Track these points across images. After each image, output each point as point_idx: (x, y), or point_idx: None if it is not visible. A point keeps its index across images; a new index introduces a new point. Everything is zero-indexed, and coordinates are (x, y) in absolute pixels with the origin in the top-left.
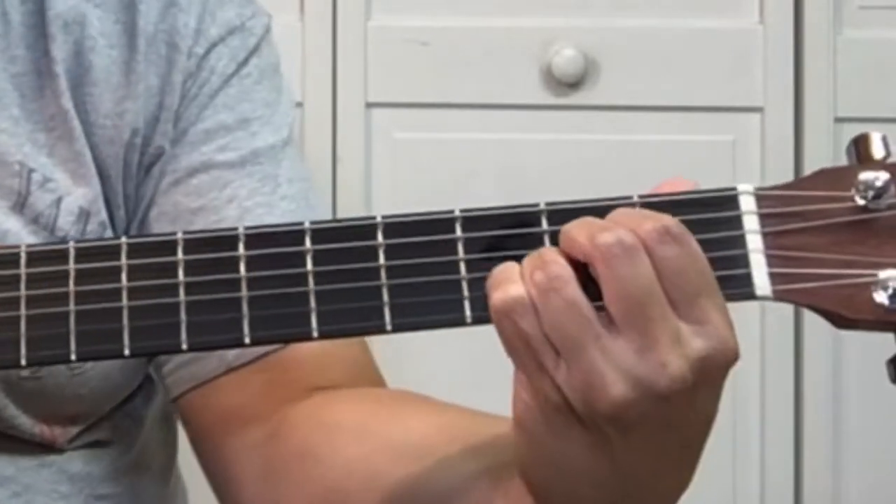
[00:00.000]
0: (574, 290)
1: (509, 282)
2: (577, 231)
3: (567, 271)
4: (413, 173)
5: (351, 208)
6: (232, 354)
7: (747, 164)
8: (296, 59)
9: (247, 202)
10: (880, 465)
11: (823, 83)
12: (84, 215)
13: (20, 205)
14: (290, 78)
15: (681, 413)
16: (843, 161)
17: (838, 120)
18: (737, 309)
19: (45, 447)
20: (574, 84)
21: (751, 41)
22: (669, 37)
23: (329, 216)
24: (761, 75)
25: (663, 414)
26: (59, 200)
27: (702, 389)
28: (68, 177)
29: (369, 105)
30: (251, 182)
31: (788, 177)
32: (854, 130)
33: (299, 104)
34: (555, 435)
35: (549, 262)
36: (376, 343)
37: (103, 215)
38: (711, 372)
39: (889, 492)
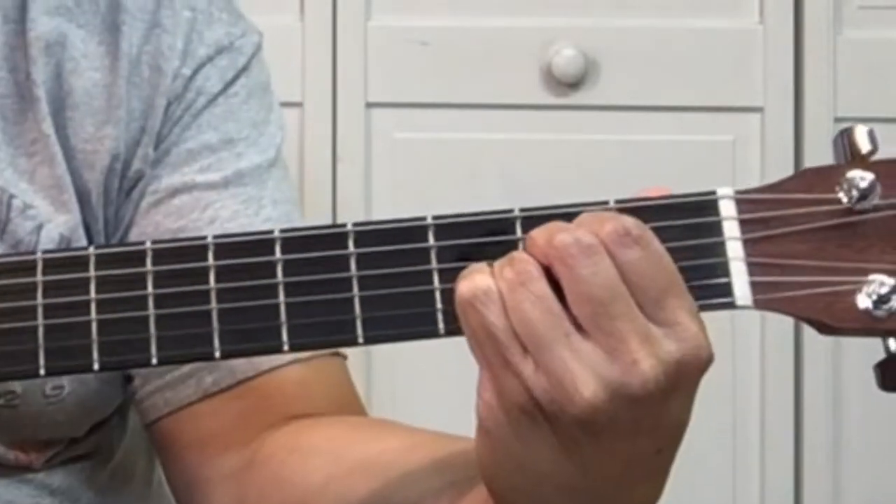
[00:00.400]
0: (543, 285)
1: (477, 273)
2: (538, 233)
3: (536, 269)
4: (413, 173)
5: (351, 208)
6: (209, 380)
7: (747, 164)
8: (296, 59)
9: (229, 224)
10: (880, 465)
11: (823, 83)
12: (65, 242)
13: (0, 231)
14: (290, 78)
15: (653, 417)
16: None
17: (838, 120)
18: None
19: (20, 468)
20: (574, 84)
21: (751, 41)
22: (669, 37)
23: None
24: (761, 75)
25: (635, 418)
26: (39, 228)
27: (674, 394)
28: (49, 203)
29: (369, 105)
30: (234, 203)
31: None
32: None
33: (299, 104)
34: (520, 438)
35: (518, 259)
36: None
37: (83, 243)
38: (684, 375)
39: (889, 492)
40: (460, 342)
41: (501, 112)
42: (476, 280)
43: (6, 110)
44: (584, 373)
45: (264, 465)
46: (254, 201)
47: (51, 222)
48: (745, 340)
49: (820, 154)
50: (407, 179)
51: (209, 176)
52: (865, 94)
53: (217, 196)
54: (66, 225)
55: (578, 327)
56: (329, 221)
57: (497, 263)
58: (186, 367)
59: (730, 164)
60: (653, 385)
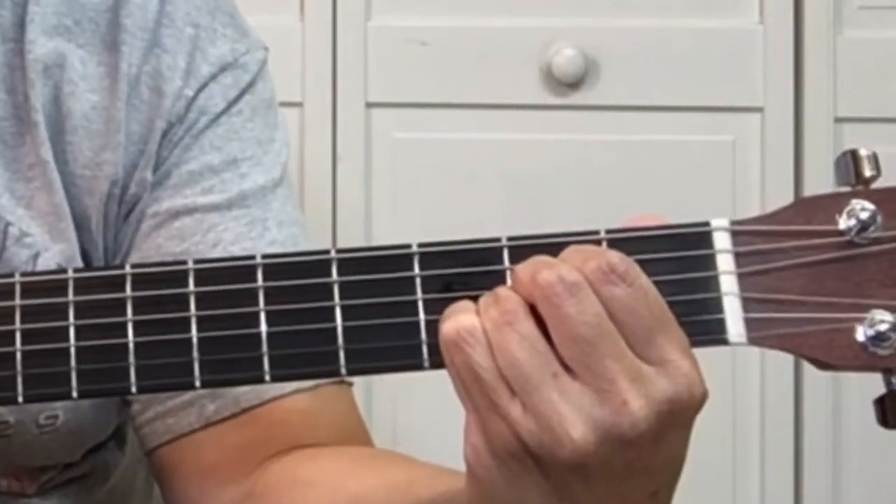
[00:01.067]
0: (529, 325)
1: (461, 312)
2: (522, 270)
3: (522, 308)
4: (413, 173)
5: (351, 208)
6: (211, 408)
7: (747, 164)
8: (296, 59)
9: (232, 247)
10: (880, 465)
11: (823, 83)
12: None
13: None
14: (290, 78)
15: (645, 459)
16: None
17: (838, 120)
18: None
19: (13, 494)
20: (574, 84)
21: (751, 41)
22: (669, 37)
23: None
24: (761, 75)
25: (627, 460)
26: (35, 256)
27: (667, 434)
28: (46, 231)
29: (369, 105)
30: (237, 226)
31: (788, 177)
32: (854, 130)
33: (299, 104)
34: (510, 482)
35: (503, 298)
36: None
37: None
38: (677, 414)
39: (889, 492)
40: None
41: (501, 112)
42: (461, 319)
43: (4, 134)
44: (573, 415)
45: (263, 498)
46: (258, 223)
47: (48, 251)
48: None
49: (820, 154)
50: (407, 179)
51: (212, 198)
52: (865, 94)
53: (220, 218)
54: (63, 254)
55: (566, 367)
56: (329, 221)
57: (482, 301)
58: (188, 395)
59: (730, 164)
60: (644, 426)
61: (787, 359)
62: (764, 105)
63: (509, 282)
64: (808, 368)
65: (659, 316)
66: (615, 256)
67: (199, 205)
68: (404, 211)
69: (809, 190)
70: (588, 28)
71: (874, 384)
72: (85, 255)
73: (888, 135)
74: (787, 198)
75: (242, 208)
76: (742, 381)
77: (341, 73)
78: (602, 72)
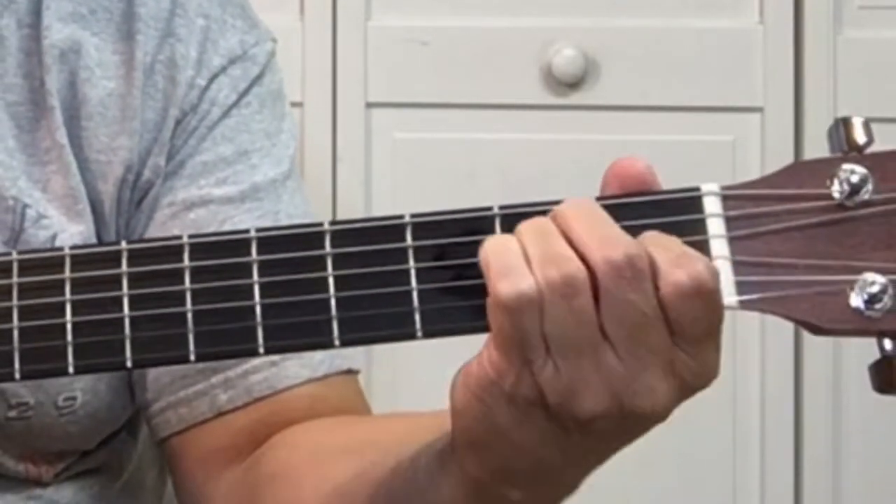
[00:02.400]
0: (588, 298)
1: (517, 273)
2: (588, 234)
3: (583, 273)
4: (413, 173)
5: (351, 208)
6: (224, 398)
7: (747, 164)
8: (296, 59)
9: None
10: (880, 465)
11: (823, 83)
12: None
13: (13, 240)
14: (290, 78)
15: (650, 427)
16: None
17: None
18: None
19: (31, 481)
20: (574, 84)
21: (751, 41)
22: (669, 37)
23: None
24: (761, 75)
25: (632, 427)
26: (53, 237)
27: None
28: (62, 213)
29: (369, 105)
30: (250, 218)
31: None
32: None
33: (299, 104)
34: (514, 417)
35: (564, 257)
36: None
37: None
38: (687, 395)
39: (889, 492)
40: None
41: (501, 112)
42: (519, 284)
43: (20, 118)
44: (601, 386)
45: (262, 463)
46: (270, 216)
47: (65, 232)
48: (746, 339)
49: (820, 154)
50: (407, 179)
51: (226, 189)
52: (865, 94)
53: (234, 210)
54: (81, 235)
55: (606, 338)
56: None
57: (535, 252)
58: (200, 385)
59: (730, 164)
60: (661, 408)
61: (787, 355)
62: (764, 105)
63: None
64: (808, 365)
65: (717, 325)
66: (702, 268)
67: (214, 197)
68: (404, 211)
69: None
70: (588, 28)
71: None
72: (99, 240)
73: (888, 135)
74: None
75: (255, 201)
76: (742, 381)
77: (341, 73)
78: (602, 72)
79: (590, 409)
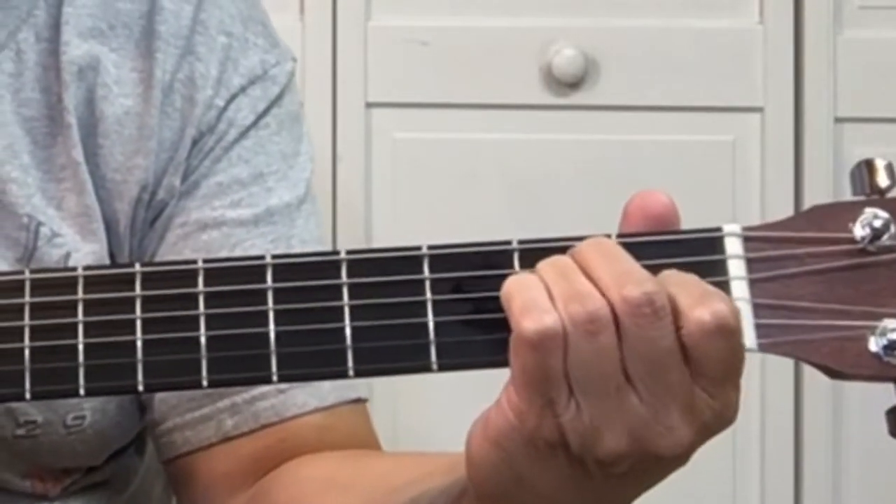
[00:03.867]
0: (612, 336)
1: (541, 310)
2: (607, 274)
3: (606, 310)
4: (413, 173)
5: (351, 208)
6: (230, 423)
7: (747, 164)
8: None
9: None
10: (880, 465)
11: (823, 83)
12: None
13: (27, 258)
14: None
15: (670, 470)
16: (842, 162)
17: (838, 120)
18: None
19: (36, 496)
20: (574, 84)
21: (751, 41)
22: (669, 37)
23: None
24: (761, 75)
25: (652, 466)
26: (66, 256)
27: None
28: (76, 232)
29: (369, 105)
30: (263, 242)
31: (788, 177)
32: (854, 130)
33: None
34: (533, 462)
35: (587, 294)
36: None
37: None
38: (707, 437)
39: (889, 492)
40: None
41: (501, 112)
42: (544, 320)
43: (36, 134)
44: (620, 426)
45: (266, 495)
46: (283, 240)
47: (78, 251)
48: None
49: (820, 154)
50: (407, 179)
51: (240, 212)
52: (865, 94)
53: (247, 234)
54: (95, 255)
55: (628, 378)
56: (329, 221)
57: (557, 289)
58: (207, 409)
59: (730, 164)
60: (681, 450)
61: (787, 359)
62: (764, 105)
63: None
64: (808, 370)
65: (738, 365)
66: (725, 310)
67: (228, 219)
68: (404, 211)
69: (809, 190)
70: (588, 28)
71: (874, 385)
72: (112, 259)
73: (888, 135)
74: (787, 198)
75: (269, 225)
76: (742, 382)
77: (341, 73)
78: (602, 72)
79: (612, 449)
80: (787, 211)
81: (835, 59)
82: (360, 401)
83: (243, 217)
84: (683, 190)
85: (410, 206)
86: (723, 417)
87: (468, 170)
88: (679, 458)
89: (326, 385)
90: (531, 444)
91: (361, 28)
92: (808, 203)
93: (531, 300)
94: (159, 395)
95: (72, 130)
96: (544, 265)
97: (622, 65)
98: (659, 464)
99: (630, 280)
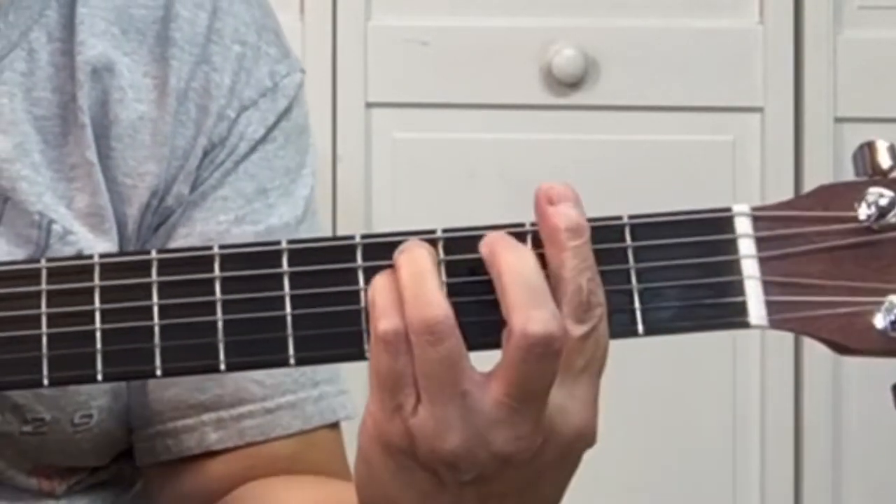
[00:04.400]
0: (454, 343)
1: (386, 316)
2: (516, 289)
3: (449, 318)
4: (413, 173)
5: (351, 208)
6: (213, 437)
7: (747, 164)
8: None
9: None
10: (880, 466)
11: (823, 83)
12: None
13: (39, 256)
14: None
15: (524, 477)
16: (842, 162)
17: (838, 120)
18: None
19: (42, 494)
20: (574, 84)
21: (751, 41)
22: (669, 37)
23: None
24: (761, 75)
25: (502, 471)
26: (79, 254)
27: (553, 462)
28: (88, 230)
29: (369, 105)
30: None
31: (788, 177)
32: (854, 130)
33: None
34: (394, 474)
35: (429, 303)
36: None
37: None
38: (564, 449)
39: (889, 492)
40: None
41: (501, 112)
42: (395, 322)
43: (48, 132)
44: (464, 429)
45: None
46: None
47: (91, 249)
48: (746, 340)
49: (820, 154)
50: (407, 179)
51: (243, 228)
52: (865, 94)
53: None
54: (107, 252)
55: (487, 383)
56: (329, 221)
57: (407, 294)
58: (191, 420)
59: (730, 164)
60: (528, 454)
61: (787, 355)
62: (764, 105)
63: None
64: (808, 366)
65: (601, 364)
66: (545, 316)
67: (231, 235)
68: (404, 211)
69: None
70: (588, 28)
71: (874, 380)
72: None
73: (888, 135)
74: (787, 198)
75: None
76: (743, 380)
77: (341, 73)
78: (602, 72)
79: (454, 450)
80: None
81: (835, 59)
82: (336, 426)
83: (245, 234)
84: (683, 190)
85: (410, 206)
86: (577, 426)
87: (468, 170)
88: (528, 464)
89: (310, 408)
90: (387, 452)
91: (361, 28)
92: None
93: (381, 298)
94: (147, 399)
95: (86, 131)
96: (403, 265)
97: (622, 65)
98: (506, 466)
99: (542, 316)
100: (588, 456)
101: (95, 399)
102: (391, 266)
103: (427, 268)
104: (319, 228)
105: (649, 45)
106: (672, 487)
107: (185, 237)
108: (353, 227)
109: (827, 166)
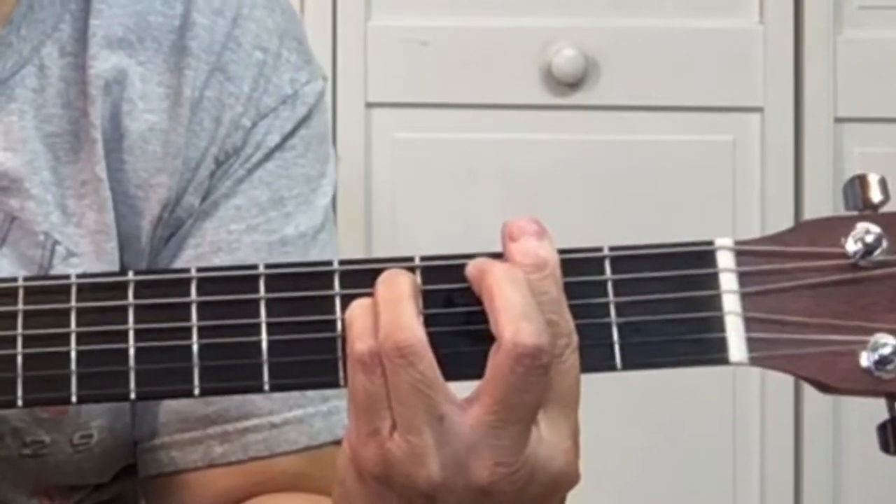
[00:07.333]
0: (425, 367)
1: (361, 339)
2: (507, 301)
3: (421, 343)
4: (413, 173)
5: (351, 208)
6: (219, 451)
7: (747, 164)
8: None
9: None
10: (880, 466)
11: (823, 83)
12: None
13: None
14: None
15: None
16: (842, 162)
17: (838, 120)
18: None
19: None
20: (574, 84)
21: (751, 41)
22: (669, 37)
23: None
24: (761, 75)
25: (484, 500)
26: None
27: (537, 498)
28: (93, 251)
29: (369, 105)
30: None
31: (788, 177)
32: (854, 130)
33: None
34: (368, 499)
35: (400, 327)
36: None
37: None
38: (549, 487)
39: (889, 492)
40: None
41: (501, 112)
42: (366, 346)
43: (59, 149)
44: (441, 456)
45: None
46: None
47: (92, 271)
48: None
49: (820, 154)
50: (407, 179)
51: (255, 238)
52: (865, 94)
53: (258, 261)
54: None
55: (467, 406)
56: None
57: (383, 317)
58: (196, 432)
59: (730, 164)
60: (509, 487)
61: None
62: (764, 105)
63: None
64: None
65: (576, 398)
66: (532, 330)
67: (243, 244)
68: (404, 211)
69: (809, 190)
70: (588, 28)
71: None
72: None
73: (888, 135)
74: (787, 198)
75: (281, 255)
76: (742, 381)
77: (341, 73)
78: (602, 72)
79: (432, 479)
80: (786, 211)
81: (835, 59)
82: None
83: (257, 244)
84: (683, 190)
85: (410, 206)
86: (561, 465)
87: (468, 170)
88: (510, 500)
89: (318, 423)
90: (361, 478)
91: (361, 28)
92: (808, 203)
93: (358, 321)
94: (153, 411)
95: (97, 146)
96: (381, 290)
97: (622, 65)
98: (490, 499)
99: (532, 330)
100: (588, 456)
101: (94, 419)
102: (369, 294)
103: (405, 293)
104: (335, 239)
105: (649, 45)
106: (672, 487)
107: (195, 247)
108: (353, 226)
109: (827, 166)
